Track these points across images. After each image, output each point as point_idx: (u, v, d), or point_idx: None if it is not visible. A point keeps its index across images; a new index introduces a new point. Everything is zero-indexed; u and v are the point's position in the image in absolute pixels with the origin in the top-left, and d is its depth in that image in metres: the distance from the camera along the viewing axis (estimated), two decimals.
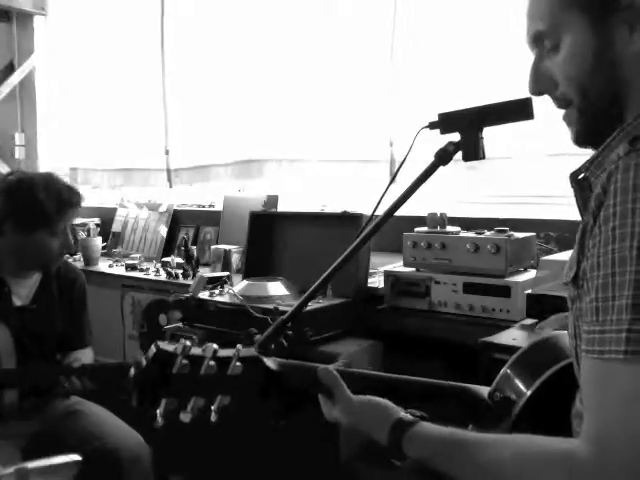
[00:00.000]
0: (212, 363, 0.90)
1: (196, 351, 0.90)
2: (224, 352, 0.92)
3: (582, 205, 0.97)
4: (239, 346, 0.94)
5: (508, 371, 1.11)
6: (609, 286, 0.78)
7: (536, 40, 0.97)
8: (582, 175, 0.96)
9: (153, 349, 0.89)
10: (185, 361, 0.88)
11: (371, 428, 1.02)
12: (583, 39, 0.91)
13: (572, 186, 0.98)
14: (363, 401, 1.04)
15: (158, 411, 0.89)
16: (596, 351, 0.78)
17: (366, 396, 1.04)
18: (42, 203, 1.96)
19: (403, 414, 1.00)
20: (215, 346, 0.91)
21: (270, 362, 0.98)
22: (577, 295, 0.89)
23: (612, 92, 0.92)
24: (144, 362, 0.89)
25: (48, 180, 2.03)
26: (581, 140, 0.99)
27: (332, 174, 3.13)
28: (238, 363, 0.92)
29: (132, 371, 0.89)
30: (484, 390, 1.11)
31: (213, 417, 0.92)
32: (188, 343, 0.89)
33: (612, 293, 0.77)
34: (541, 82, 0.98)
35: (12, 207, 1.96)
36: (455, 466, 0.91)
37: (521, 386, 1.07)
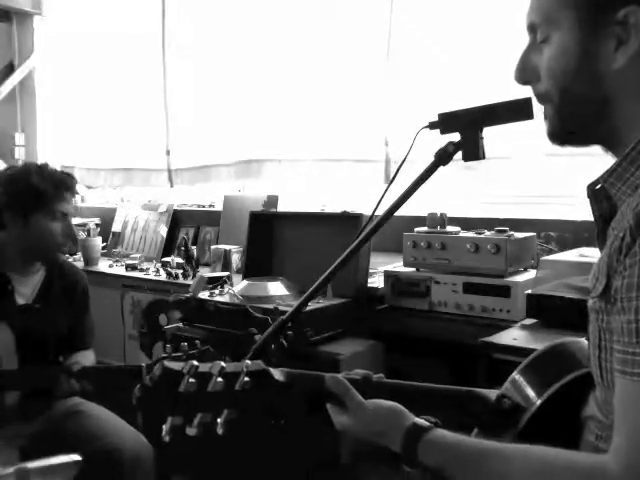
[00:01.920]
0: (220, 380, 0.90)
1: (203, 368, 0.90)
2: (232, 367, 0.92)
3: (599, 215, 0.96)
4: (247, 361, 0.93)
5: (519, 376, 1.09)
6: None
7: (531, 30, 0.97)
8: (599, 186, 0.95)
9: (159, 369, 0.88)
10: (192, 380, 0.87)
11: (384, 432, 0.98)
12: (569, 41, 0.91)
13: (588, 196, 0.98)
14: (377, 405, 1.01)
15: (164, 428, 0.88)
16: (636, 373, 0.78)
17: (379, 400, 1.02)
18: (36, 185, 1.99)
19: (418, 419, 0.98)
20: (223, 363, 0.91)
21: (277, 373, 0.98)
22: (605, 309, 0.87)
23: (593, 100, 0.92)
24: (149, 383, 0.87)
25: (42, 167, 2.08)
26: (554, 137, 0.99)
27: (329, 174, 3.13)
28: (246, 378, 0.92)
29: (137, 392, 0.88)
30: (491, 394, 1.10)
31: (219, 430, 0.91)
32: (195, 363, 0.88)
33: None
34: (526, 72, 0.98)
35: (9, 196, 1.99)
36: (475, 475, 0.89)
37: (532, 395, 1.05)
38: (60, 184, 2.05)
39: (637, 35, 0.86)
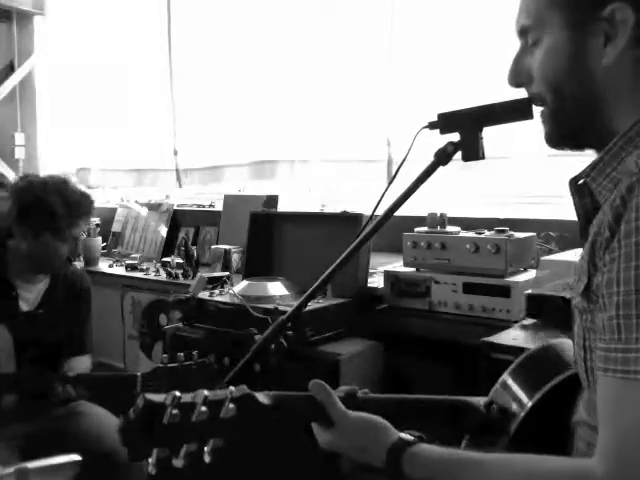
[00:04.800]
0: (204, 409, 0.88)
1: (186, 399, 0.88)
2: (216, 395, 0.90)
3: (582, 211, 0.96)
4: (232, 388, 0.92)
5: (506, 381, 1.09)
6: (632, 304, 0.76)
7: (521, 34, 0.99)
8: (582, 181, 0.95)
9: (140, 402, 0.86)
10: (175, 411, 0.85)
11: (367, 447, 0.97)
12: (559, 41, 0.92)
13: (571, 192, 0.98)
14: (361, 418, 1.00)
15: (150, 461, 0.86)
16: (619, 370, 0.77)
17: (363, 413, 1.01)
18: (52, 207, 1.95)
19: (402, 434, 0.97)
20: (206, 392, 0.89)
21: (262, 397, 0.96)
22: (588, 308, 0.87)
23: (585, 98, 0.92)
24: (132, 415, 0.86)
25: (61, 185, 2.02)
26: (552, 141, 0.99)
27: (332, 174, 3.14)
28: (231, 405, 0.90)
29: (120, 424, 0.86)
30: (479, 401, 1.09)
31: (206, 458, 0.90)
32: (177, 393, 0.86)
33: (636, 311, 0.76)
34: (519, 75, 0.99)
35: (22, 208, 1.97)
36: None
37: (520, 399, 1.04)
38: (77, 209, 2.01)
39: (624, 31, 0.87)
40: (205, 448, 0.90)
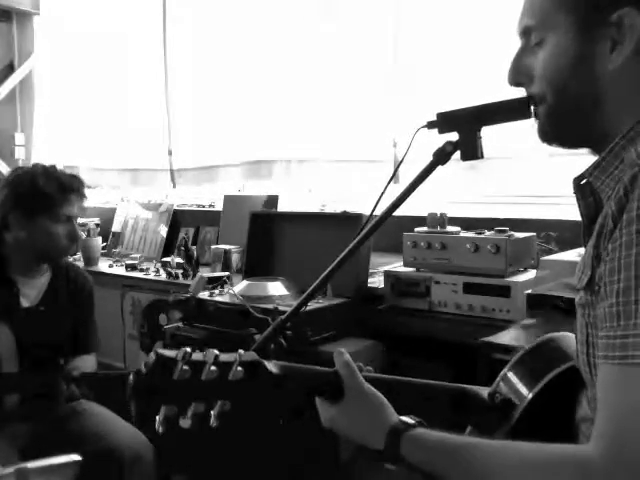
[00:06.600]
0: (213, 368, 0.88)
1: (197, 357, 0.88)
2: (225, 357, 0.90)
3: (585, 211, 0.97)
4: (241, 351, 0.93)
5: (509, 372, 1.09)
6: (632, 290, 0.76)
7: (524, 34, 0.99)
8: (584, 180, 0.96)
9: (153, 356, 0.86)
10: (186, 367, 0.86)
11: (370, 424, 0.98)
12: (565, 43, 0.92)
13: (574, 192, 0.98)
14: (373, 392, 1.01)
15: (157, 418, 0.87)
16: (617, 356, 0.77)
17: (375, 390, 1.02)
18: (41, 187, 1.99)
19: (403, 417, 0.97)
20: (216, 351, 0.89)
21: (271, 365, 0.97)
22: (590, 302, 0.87)
23: (587, 99, 0.93)
24: (144, 370, 0.86)
25: (49, 169, 2.07)
26: (546, 137, 0.99)
27: (332, 174, 3.13)
28: (239, 368, 0.90)
29: (131, 379, 0.86)
30: (483, 391, 1.10)
31: (213, 422, 0.90)
32: (189, 349, 0.87)
33: (635, 297, 0.76)
34: (519, 74, 0.99)
35: (14, 197, 1.99)
36: (459, 471, 0.88)
37: (523, 389, 1.05)
38: (66, 187, 2.04)
39: (632, 36, 0.88)
40: (212, 411, 0.90)
